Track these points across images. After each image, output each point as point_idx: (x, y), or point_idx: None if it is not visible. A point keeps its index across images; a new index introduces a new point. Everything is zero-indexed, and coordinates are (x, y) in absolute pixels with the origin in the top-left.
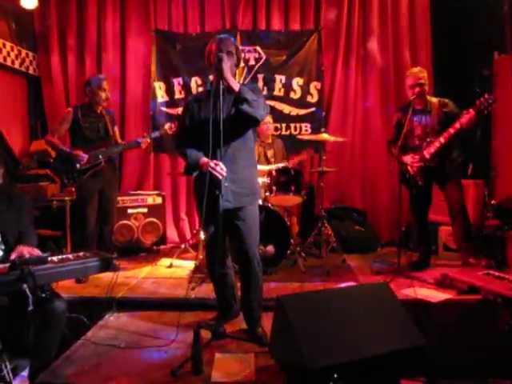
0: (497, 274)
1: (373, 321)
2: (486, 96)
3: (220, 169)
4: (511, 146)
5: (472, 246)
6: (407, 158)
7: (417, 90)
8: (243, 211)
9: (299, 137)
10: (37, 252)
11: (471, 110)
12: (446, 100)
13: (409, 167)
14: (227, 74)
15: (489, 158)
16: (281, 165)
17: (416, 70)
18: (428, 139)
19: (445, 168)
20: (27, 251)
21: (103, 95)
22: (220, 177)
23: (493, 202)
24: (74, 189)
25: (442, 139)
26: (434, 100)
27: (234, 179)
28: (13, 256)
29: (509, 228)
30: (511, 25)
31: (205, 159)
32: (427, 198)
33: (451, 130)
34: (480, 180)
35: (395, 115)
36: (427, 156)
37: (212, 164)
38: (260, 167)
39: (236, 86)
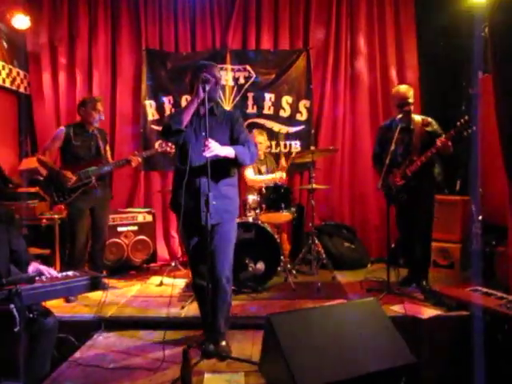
0: (485, 290)
1: (363, 339)
2: (466, 119)
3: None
4: (497, 163)
5: (426, 266)
6: (390, 178)
7: (406, 108)
8: (220, 227)
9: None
10: (53, 272)
11: (451, 132)
12: (430, 119)
13: (392, 186)
14: (221, 151)
15: (476, 174)
16: (272, 175)
17: (404, 88)
18: (413, 158)
19: (423, 186)
20: (45, 270)
21: (97, 116)
22: (207, 154)
23: (480, 217)
24: (63, 207)
25: (423, 158)
26: (418, 118)
27: (217, 196)
28: (30, 271)
29: (497, 244)
30: (492, 46)
31: None
32: (411, 215)
33: (433, 150)
34: (468, 196)
35: (378, 132)
36: (409, 174)
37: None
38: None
39: (231, 154)
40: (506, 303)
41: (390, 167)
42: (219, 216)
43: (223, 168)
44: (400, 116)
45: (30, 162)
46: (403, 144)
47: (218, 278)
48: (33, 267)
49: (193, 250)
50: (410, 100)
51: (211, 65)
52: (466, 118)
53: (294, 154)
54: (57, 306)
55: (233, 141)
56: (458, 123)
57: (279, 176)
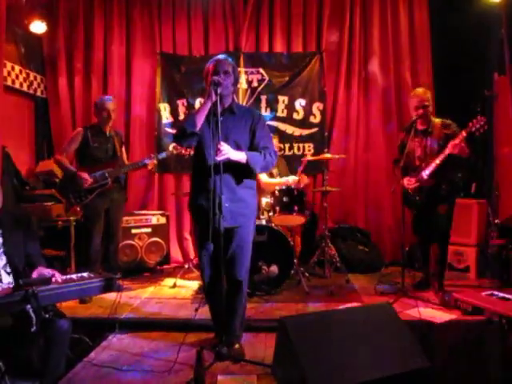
0: (501, 294)
1: (376, 342)
2: (478, 119)
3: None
4: None
5: (442, 271)
6: (404, 181)
7: (420, 111)
8: (238, 231)
9: (304, 159)
10: (57, 274)
11: (462, 133)
12: (449, 121)
13: (408, 188)
14: (233, 155)
15: (492, 177)
16: (285, 178)
17: (420, 91)
18: (429, 160)
19: (441, 189)
20: (47, 272)
21: (105, 115)
22: (219, 157)
23: (497, 221)
24: (79, 208)
25: (437, 160)
26: (437, 121)
27: (232, 198)
28: (34, 275)
29: None
30: (509, 47)
31: None
32: (427, 219)
33: (446, 151)
34: (483, 199)
35: (399, 136)
36: (424, 177)
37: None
38: (267, 179)
39: (242, 159)
40: None
41: (408, 170)
42: (234, 220)
43: (242, 170)
44: (416, 118)
45: (47, 165)
46: (421, 147)
47: (236, 281)
48: (36, 273)
49: (206, 252)
50: (427, 103)
51: (220, 60)
52: (478, 118)
53: (305, 157)
54: (72, 307)
55: (253, 145)
56: (470, 123)
57: (292, 180)
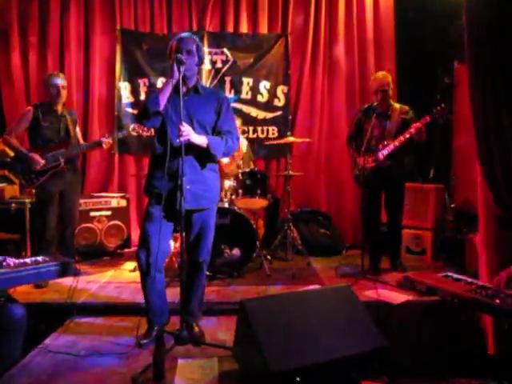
0: (455, 276)
1: (335, 323)
2: (442, 106)
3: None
4: (470, 151)
5: (399, 249)
6: (360, 160)
7: (379, 96)
8: (200, 213)
9: (266, 143)
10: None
11: (426, 118)
12: (407, 108)
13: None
14: (194, 138)
15: (449, 163)
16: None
17: (380, 75)
18: (385, 142)
19: (393, 171)
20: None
21: (54, 92)
22: (181, 139)
23: (452, 205)
24: (33, 190)
25: (396, 142)
26: (397, 106)
27: (194, 180)
28: None
29: (467, 231)
30: (468, 35)
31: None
32: (378, 201)
33: (406, 135)
34: (441, 184)
35: (356, 114)
36: (381, 157)
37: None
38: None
39: (203, 143)
40: (475, 288)
41: (364, 151)
42: (196, 202)
43: (206, 152)
44: (377, 103)
45: None
46: (379, 128)
47: (197, 263)
48: None
49: (161, 236)
50: (386, 87)
51: (183, 38)
52: (443, 105)
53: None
54: (26, 292)
55: (216, 128)
56: (434, 110)
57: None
